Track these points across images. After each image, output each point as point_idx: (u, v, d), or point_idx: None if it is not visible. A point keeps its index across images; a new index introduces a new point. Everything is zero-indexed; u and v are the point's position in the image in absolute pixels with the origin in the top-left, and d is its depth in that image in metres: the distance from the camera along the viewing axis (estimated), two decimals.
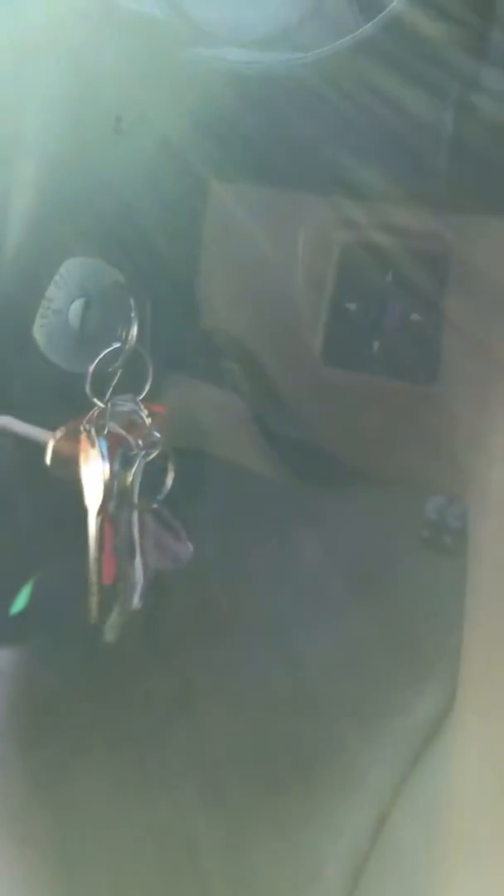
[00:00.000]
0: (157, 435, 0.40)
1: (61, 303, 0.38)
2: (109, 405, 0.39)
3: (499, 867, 0.35)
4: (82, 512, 0.41)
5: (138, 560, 0.42)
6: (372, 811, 0.50)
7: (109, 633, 0.43)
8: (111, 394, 0.39)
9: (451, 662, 0.38)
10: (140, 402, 0.39)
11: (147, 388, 0.39)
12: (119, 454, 0.40)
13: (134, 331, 0.37)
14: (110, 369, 0.38)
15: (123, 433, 0.40)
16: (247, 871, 0.52)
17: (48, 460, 0.41)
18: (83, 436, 0.40)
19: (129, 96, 0.34)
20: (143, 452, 0.40)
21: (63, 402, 0.39)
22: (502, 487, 0.34)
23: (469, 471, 0.36)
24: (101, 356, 0.37)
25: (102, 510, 0.41)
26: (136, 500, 0.41)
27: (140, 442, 0.40)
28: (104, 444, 0.40)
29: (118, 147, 0.35)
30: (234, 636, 0.54)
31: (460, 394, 0.35)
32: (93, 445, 0.40)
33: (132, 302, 0.37)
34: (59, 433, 0.40)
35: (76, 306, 0.38)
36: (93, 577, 0.42)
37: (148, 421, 0.39)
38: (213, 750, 0.53)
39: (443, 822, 0.38)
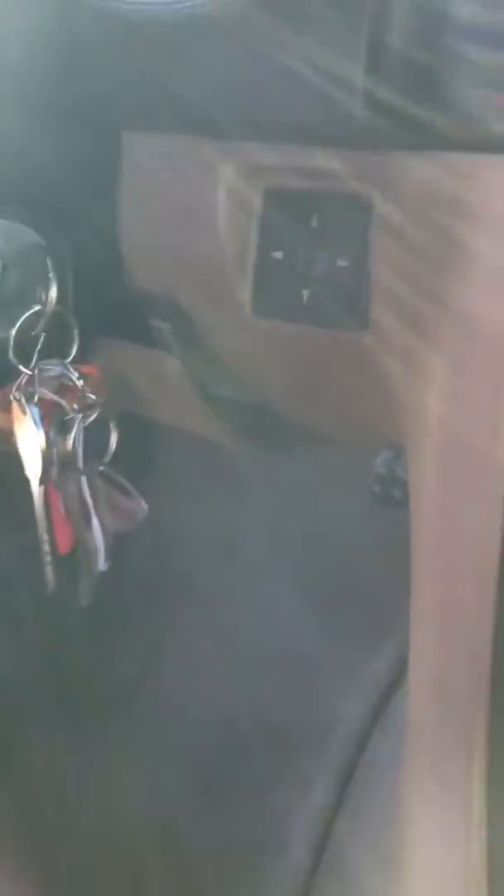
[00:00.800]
0: (93, 397, 0.39)
1: None
2: (37, 371, 0.38)
3: (457, 809, 0.34)
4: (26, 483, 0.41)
5: (96, 523, 0.41)
6: (337, 766, 0.50)
7: (84, 599, 0.43)
8: (37, 359, 0.37)
9: (406, 616, 0.38)
10: (69, 365, 0.38)
11: (74, 350, 0.38)
12: (54, 420, 0.39)
13: (53, 292, 0.36)
14: (33, 333, 0.37)
15: (55, 398, 0.39)
16: (219, 832, 0.52)
17: None
18: (14, 405, 0.39)
19: (26, 47, 0.33)
20: (79, 416, 0.39)
21: None
22: (437, 434, 0.33)
23: (404, 419, 0.35)
24: (21, 320, 0.36)
25: (45, 479, 0.40)
26: (80, 464, 0.40)
27: (75, 405, 0.39)
28: (36, 412, 0.39)
29: (22, 104, 0.34)
30: (190, 599, 0.53)
31: (391, 339, 0.34)
32: (24, 413, 0.39)
33: (49, 262, 0.36)
34: None
35: None
36: (45, 547, 0.41)
37: (80, 383, 0.38)
38: (180, 713, 0.53)
39: (405, 773, 0.38)
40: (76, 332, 0.37)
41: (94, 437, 0.41)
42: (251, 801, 0.52)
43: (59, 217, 0.36)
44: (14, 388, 0.38)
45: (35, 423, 0.38)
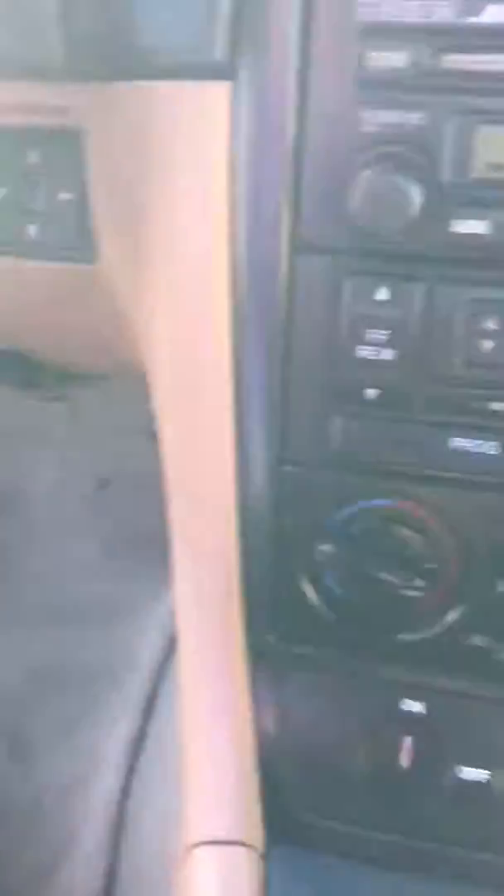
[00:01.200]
0: None
1: None
2: None
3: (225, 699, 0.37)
4: None
5: None
6: (142, 692, 0.52)
7: None
8: None
9: None
10: None
11: None
12: None
13: None
14: None
15: None
16: (32, 776, 0.53)
17: None
18: None
19: None
20: None
21: None
22: (167, 353, 0.35)
23: (141, 345, 0.36)
24: None
25: None
26: None
27: None
28: None
29: None
30: None
31: (118, 266, 0.35)
32: None
33: None
34: None
35: None
36: None
37: None
38: None
39: (181, 675, 0.40)
40: None
41: None
42: (60, 742, 0.53)
43: None
44: None
45: None
